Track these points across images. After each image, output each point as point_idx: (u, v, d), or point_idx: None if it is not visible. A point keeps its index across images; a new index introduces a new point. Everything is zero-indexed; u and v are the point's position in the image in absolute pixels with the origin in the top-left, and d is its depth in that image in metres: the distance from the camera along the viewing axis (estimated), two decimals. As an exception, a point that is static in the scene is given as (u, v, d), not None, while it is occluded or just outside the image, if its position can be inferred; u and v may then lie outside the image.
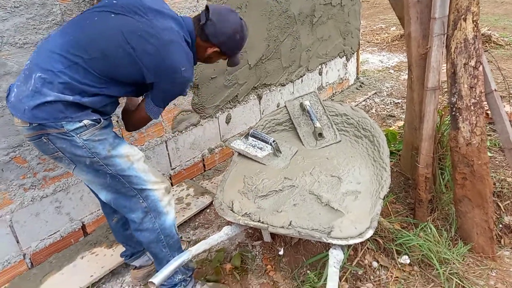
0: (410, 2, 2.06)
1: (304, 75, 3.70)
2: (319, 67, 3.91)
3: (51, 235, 2.08)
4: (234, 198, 1.77)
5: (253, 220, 1.64)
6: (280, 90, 3.45)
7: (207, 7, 1.56)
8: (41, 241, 2.05)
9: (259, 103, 3.26)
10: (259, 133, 2.06)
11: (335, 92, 4.30)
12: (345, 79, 4.42)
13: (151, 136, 2.47)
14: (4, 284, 1.92)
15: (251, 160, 2.03)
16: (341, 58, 4.23)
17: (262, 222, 1.62)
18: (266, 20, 3.05)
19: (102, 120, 1.48)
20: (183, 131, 2.66)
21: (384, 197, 1.70)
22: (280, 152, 2.04)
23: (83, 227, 2.23)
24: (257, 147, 2.07)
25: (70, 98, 1.37)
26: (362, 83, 4.63)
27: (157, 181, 1.61)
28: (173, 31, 1.47)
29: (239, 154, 2.06)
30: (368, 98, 4.27)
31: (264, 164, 2.00)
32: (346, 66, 4.37)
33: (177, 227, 2.30)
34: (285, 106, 2.26)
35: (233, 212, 1.69)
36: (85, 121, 1.42)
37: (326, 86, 4.12)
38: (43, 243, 2.06)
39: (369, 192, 1.74)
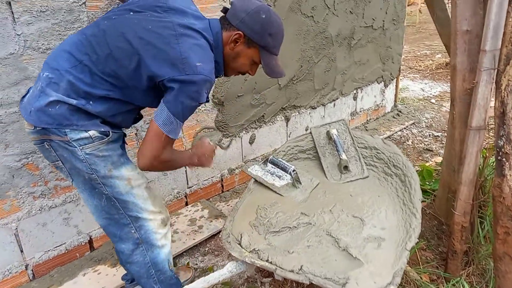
0: (458, 30, 1.87)
1: (337, 99, 3.53)
2: (354, 91, 3.72)
3: (56, 247, 2.02)
4: (244, 230, 1.62)
5: (261, 259, 1.49)
6: (310, 113, 3.29)
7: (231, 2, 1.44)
8: (46, 252, 1.99)
9: (286, 125, 3.11)
10: (279, 159, 1.91)
11: (370, 119, 4.08)
12: (381, 106, 4.20)
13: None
14: (2, 294, 1.86)
15: (268, 188, 1.88)
16: (378, 83, 4.03)
17: (271, 263, 1.47)
18: (300, 40, 2.93)
19: (111, 133, 1.37)
20: (204, 149, 2.56)
21: (412, 248, 1.50)
22: (300, 183, 1.89)
23: (90, 241, 2.15)
24: (276, 175, 1.92)
25: (73, 101, 1.28)
26: (400, 111, 4.39)
27: (154, 211, 1.48)
28: (190, 26, 1.33)
29: (256, 180, 1.92)
30: (405, 128, 4.02)
31: (281, 195, 1.85)
32: (384, 92, 4.16)
33: (187, 250, 2.20)
34: (311, 132, 2.11)
35: (241, 246, 1.54)
36: (92, 132, 1.32)
37: (360, 112, 3.92)
38: (47, 255, 2.00)
39: (395, 240, 1.54)
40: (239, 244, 1.56)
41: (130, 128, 2.11)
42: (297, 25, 2.85)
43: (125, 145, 1.58)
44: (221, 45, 1.42)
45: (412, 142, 3.73)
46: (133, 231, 1.45)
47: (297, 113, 3.16)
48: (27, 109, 1.30)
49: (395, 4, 3.78)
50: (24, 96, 1.38)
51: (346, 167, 1.94)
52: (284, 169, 1.88)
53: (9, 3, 1.62)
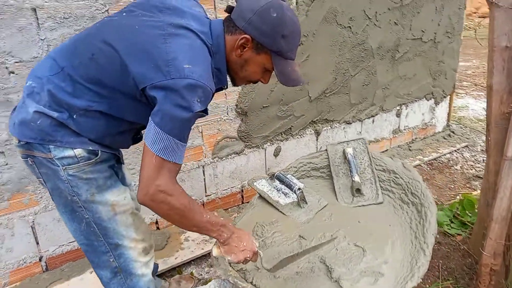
0: (496, 47, 1.66)
1: (376, 114, 3.33)
2: (398, 107, 3.49)
3: (70, 242, 2.10)
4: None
5: (246, 280, 1.41)
6: (344, 128, 3.14)
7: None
8: (59, 246, 2.08)
9: (317, 139, 2.99)
10: (286, 176, 1.82)
11: (416, 138, 3.80)
12: (430, 125, 3.89)
13: (188, 159, 2.38)
14: (16, 283, 1.97)
15: (271, 205, 1.80)
16: (427, 100, 3.74)
17: (254, 285, 1.39)
18: (336, 51, 2.80)
19: (100, 153, 1.23)
20: (224, 158, 2.53)
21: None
22: (306, 203, 1.78)
23: (103, 240, 2.21)
24: (282, 192, 1.83)
25: (54, 114, 1.15)
26: (453, 132, 4.03)
27: (136, 239, 1.35)
28: (183, 26, 1.15)
29: (260, 196, 1.84)
30: (455, 150, 3.68)
31: (284, 214, 1.75)
32: (434, 110, 3.85)
33: (195, 259, 2.18)
34: (326, 150, 1.99)
35: (229, 264, 1.48)
36: (78, 151, 1.18)
37: (405, 130, 3.66)
38: (61, 249, 2.08)
39: (395, 277, 1.38)
40: (228, 261, 1.50)
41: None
42: (331, 36, 2.73)
43: (121, 164, 1.47)
44: (223, 50, 1.22)
45: (461, 167, 3.40)
46: (111, 260, 1.33)
47: (329, 127, 3.03)
48: (13, 120, 1.21)
49: (449, 16, 3.49)
50: (15, 108, 1.27)
51: (358, 190, 1.80)
52: (289, 186, 1.78)
53: (35, 9, 1.72)
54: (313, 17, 2.59)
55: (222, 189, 2.61)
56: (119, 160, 1.44)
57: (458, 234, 2.36)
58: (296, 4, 2.50)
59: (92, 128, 1.20)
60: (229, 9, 1.25)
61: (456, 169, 3.37)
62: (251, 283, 1.39)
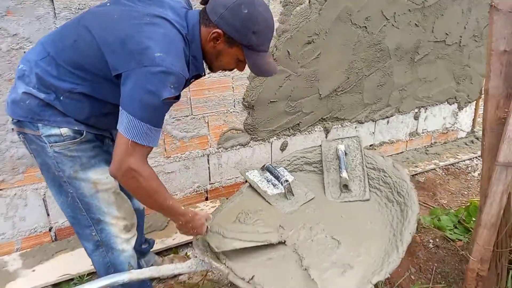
0: (494, 50, 1.61)
1: (392, 116, 3.28)
2: (416, 110, 3.42)
3: (78, 217, 2.26)
4: (218, 231, 1.63)
5: (219, 260, 1.49)
6: (356, 127, 3.13)
7: None
8: (68, 220, 2.24)
9: (326, 137, 3.00)
10: (275, 168, 1.87)
11: (435, 142, 3.71)
12: (452, 130, 3.78)
13: (194, 147, 2.49)
14: (27, 249, 2.15)
15: (259, 195, 1.86)
16: (450, 104, 3.64)
17: (227, 267, 1.46)
18: (349, 50, 2.80)
19: (85, 133, 1.31)
20: (229, 149, 2.61)
21: (379, 284, 1.35)
22: (293, 195, 1.82)
23: (108, 217, 2.36)
24: (272, 183, 1.88)
25: (42, 95, 1.24)
26: (477, 138, 3.89)
27: (117, 216, 1.43)
28: (158, 16, 1.21)
29: (250, 185, 1.91)
30: (476, 157, 3.56)
31: (269, 203, 1.81)
32: (457, 115, 3.74)
33: (191, 242, 2.27)
34: (320, 146, 2.02)
35: (209, 246, 1.56)
36: (64, 130, 1.27)
37: (423, 133, 3.59)
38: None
39: (364, 271, 1.40)
40: (207, 243, 1.58)
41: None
42: (345, 35, 2.73)
43: (111, 142, 1.50)
44: (198, 40, 1.28)
45: (478, 174, 3.28)
46: (93, 234, 1.42)
47: (340, 125, 3.03)
48: (7, 100, 1.32)
49: (477, 19, 3.37)
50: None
51: (346, 186, 1.82)
52: (277, 178, 1.83)
53: (52, 0, 1.87)
54: (326, 15, 2.60)
55: (226, 178, 2.69)
56: (113, 139, 1.51)
57: (459, 240, 2.31)
58: (309, 2, 2.53)
59: (77, 109, 1.28)
60: (204, 1, 1.30)
61: (473, 176, 3.27)
62: (224, 263, 1.46)
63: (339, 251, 1.51)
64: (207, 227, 1.53)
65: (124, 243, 1.48)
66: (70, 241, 2.22)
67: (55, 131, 1.27)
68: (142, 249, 1.95)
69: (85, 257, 2.05)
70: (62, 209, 1.43)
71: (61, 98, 1.26)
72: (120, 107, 1.18)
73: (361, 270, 1.41)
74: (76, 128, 1.30)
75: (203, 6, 1.31)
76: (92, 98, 1.28)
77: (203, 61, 1.36)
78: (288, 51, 2.55)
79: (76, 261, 2.07)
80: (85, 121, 1.32)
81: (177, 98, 1.24)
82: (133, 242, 1.52)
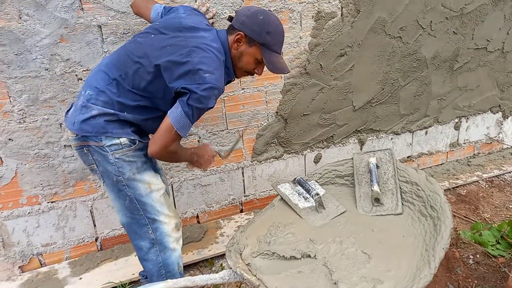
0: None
1: (430, 126, 3.21)
2: (456, 120, 3.32)
3: (121, 227, 2.40)
4: (249, 243, 1.69)
5: (251, 273, 1.54)
6: (392, 138, 3.08)
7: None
8: (112, 230, 2.39)
9: (360, 149, 2.99)
10: (306, 181, 1.90)
11: (478, 153, 3.56)
12: (497, 140, 3.62)
13: (229, 160, 2.57)
14: (75, 258, 2.32)
15: (291, 208, 1.89)
16: (494, 114, 3.49)
17: (258, 279, 1.51)
18: (384, 61, 2.79)
19: (138, 142, 1.62)
20: (263, 162, 2.67)
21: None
22: (324, 208, 1.84)
23: (149, 228, 2.49)
24: (303, 196, 1.92)
25: (111, 111, 1.55)
26: (525, 148, 3.70)
27: (169, 215, 1.67)
28: (202, 41, 1.54)
29: (282, 198, 1.95)
30: (524, 168, 3.38)
31: (300, 217, 1.84)
32: (501, 124, 3.58)
33: (222, 255, 2.35)
34: (352, 158, 2.03)
35: (240, 257, 1.62)
36: (122, 139, 1.58)
37: (465, 144, 3.46)
38: (113, 233, 2.40)
39: (394, 286, 1.40)
40: (240, 254, 1.64)
41: (193, 135, 2.39)
42: (379, 46, 2.73)
43: None
44: (229, 52, 1.62)
45: (526, 187, 3.12)
46: (150, 232, 1.65)
47: (375, 137, 3.01)
48: (71, 121, 1.59)
49: (524, 23, 3.23)
50: (68, 111, 1.66)
51: (377, 200, 1.82)
52: (308, 191, 1.86)
53: (100, 26, 2.04)
54: (359, 27, 2.62)
55: (260, 191, 2.75)
56: None
57: (502, 256, 2.21)
58: (341, 16, 2.56)
59: (139, 115, 1.60)
60: (230, 18, 1.67)
61: (518, 188, 3.11)
62: (255, 275, 1.51)
63: (369, 265, 1.52)
64: (216, 151, 1.83)
65: (174, 242, 1.69)
66: (114, 251, 2.36)
67: (115, 141, 1.56)
68: None
69: (128, 267, 2.20)
70: (120, 211, 1.67)
71: (125, 112, 1.58)
72: (178, 101, 1.52)
73: (391, 285, 1.41)
74: (132, 138, 1.60)
75: (230, 22, 1.65)
76: (149, 108, 1.61)
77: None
78: (321, 64, 2.59)
79: (119, 270, 2.20)
80: (143, 123, 1.63)
81: (213, 106, 1.58)
82: (181, 242, 1.72)
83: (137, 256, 1.75)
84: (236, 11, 1.64)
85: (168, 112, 1.53)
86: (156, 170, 1.79)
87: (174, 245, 1.70)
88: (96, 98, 1.56)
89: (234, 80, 1.76)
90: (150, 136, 1.73)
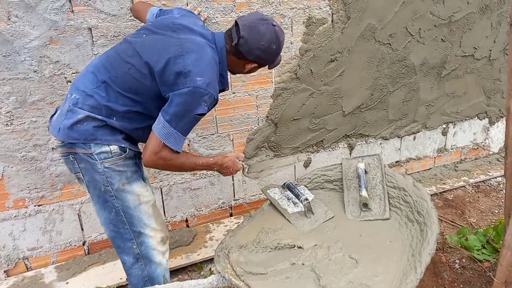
0: (515, 67, 1.61)
1: (418, 132, 3.25)
2: (444, 126, 3.37)
3: (109, 231, 2.38)
4: (237, 248, 1.69)
5: (238, 277, 1.54)
6: (381, 143, 3.12)
7: (236, 23, 1.54)
8: (100, 234, 2.37)
9: (350, 153, 3.01)
10: (295, 186, 1.92)
11: (464, 158, 3.62)
12: (483, 146, 3.68)
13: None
14: (62, 262, 2.29)
15: (280, 213, 1.90)
16: (480, 120, 3.55)
17: (246, 284, 1.51)
18: (373, 67, 2.82)
19: (128, 150, 1.52)
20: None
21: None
22: (312, 214, 1.86)
23: (138, 232, 2.47)
24: (292, 201, 1.93)
25: (99, 117, 1.45)
26: (511, 153, 3.76)
27: (156, 228, 1.59)
28: (196, 43, 1.48)
29: (271, 203, 1.96)
30: (509, 173, 3.44)
31: (289, 222, 1.85)
32: (488, 130, 3.64)
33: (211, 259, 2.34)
34: (341, 163, 2.05)
35: (228, 262, 1.62)
36: (113, 147, 1.48)
37: (452, 149, 3.51)
38: (101, 236, 2.38)
39: (381, 291, 1.42)
40: (228, 259, 1.64)
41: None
42: (369, 52, 2.76)
43: (141, 162, 1.65)
44: (225, 60, 1.57)
45: (511, 192, 3.17)
46: (134, 247, 1.56)
47: (364, 142, 3.04)
48: (55, 126, 1.48)
49: (508, 32, 3.30)
50: (53, 115, 1.56)
51: (365, 205, 1.83)
52: (297, 196, 1.88)
53: (90, 29, 2.02)
54: (349, 34, 2.65)
55: (250, 195, 2.76)
56: (140, 156, 1.67)
57: (487, 261, 2.25)
58: (332, 22, 2.58)
59: (129, 123, 1.51)
60: (236, 36, 1.53)
61: (505, 193, 3.15)
62: (243, 281, 1.51)
63: (356, 270, 1.53)
64: (243, 164, 1.81)
65: (160, 255, 1.61)
66: (102, 255, 2.34)
67: (105, 148, 1.47)
68: None
69: (115, 271, 2.18)
70: (104, 224, 1.57)
71: (114, 118, 1.48)
72: (160, 112, 1.45)
73: (378, 290, 1.42)
74: (122, 145, 1.50)
75: (233, 43, 1.55)
76: (140, 114, 1.52)
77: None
78: (311, 70, 2.61)
79: (107, 274, 2.18)
80: (133, 132, 1.54)
81: (204, 114, 1.49)
82: (167, 255, 1.66)
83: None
84: (245, 36, 1.51)
85: (153, 126, 1.46)
86: (144, 179, 1.68)
87: (160, 259, 1.62)
88: (83, 102, 1.46)
89: (227, 89, 1.72)
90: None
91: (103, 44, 2.07)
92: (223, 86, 1.63)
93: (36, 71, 1.96)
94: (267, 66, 1.66)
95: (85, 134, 1.45)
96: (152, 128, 1.45)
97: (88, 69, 1.54)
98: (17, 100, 1.96)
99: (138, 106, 1.50)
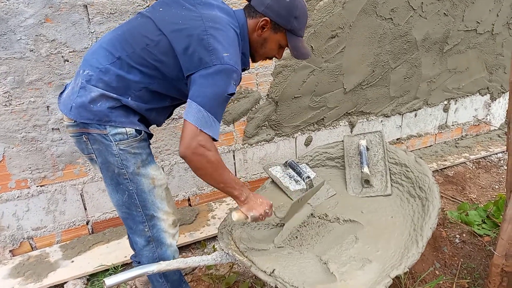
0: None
1: (420, 108, 3.23)
2: (445, 102, 3.35)
3: (112, 210, 2.40)
4: (240, 225, 1.70)
5: (242, 253, 1.56)
6: (382, 121, 3.10)
7: None
8: (103, 213, 2.39)
9: (351, 131, 3.00)
10: (297, 164, 1.92)
11: (466, 135, 3.61)
12: (484, 122, 3.67)
13: (220, 143, 2.56)
14: (66, 241, 2.31)
15: (282, 191, 1.91)
16: (482, 96, 3.53)
17: (249, 260, 1.52)
18: (374, 43, 2.78)
19: (143, 132, 1.45)
20: (254, 145, 2.67)
21: (402, 278, 1.38)
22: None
23: (140, 211, 2.49)
24: (294, 179, 1.93)
25: (113, 95, 1.36)
26: None
27: (168, 212, 1.55)
28: (218, 19, 1.38)
29: (273, 181, 1.96)
30: (510, 149, 3.44)
31: (291, 199, 1.86)
32: (489, 106, 3.62)
33: (214, 237, 2.37)
34: (343, 141, 2.04)
35: (231, 239, 1.63)
36: (128, 129, 1.39)
37: (453, 125, 3.50)
38: (105, 216, 2.39)
39: (383, 265, 1.43)
40: (231, 235, 1.65)
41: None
42: (370, 28, 2.71)
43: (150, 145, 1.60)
44: (247, 37, 1.46)
45: None
46: (146, 230, 1.52)
47: (365, 119, 3.02)
48: (67, 104, 1.39)
49: (511, 6, 3.24)
50: (62, 92, 1.49)
51: (367, 181, 1.84)
52: (299, 174, 1.88)
53: (86, 6, 1.98)
54: (350, 8, 2.59)
55: (252, 173, 2.76)
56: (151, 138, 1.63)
57: (487, 235, 2.28)
58: (333, -4, 2.53)
59: (145, 104, 1.42)
60: None
61: (505, 169, 3.16)
62: (246, 257, 1.53)
63: (357, 244, 1.54)
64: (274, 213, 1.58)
65: (171, 237, 1.58)
66: (106, 234, 2.36)
67: (121, 130, 1.38)
68: None
69: (120, 249, 2.21)
70: (116, 206, 1.53)
71: (130, 97, 1.39)
72: (188, 100, 1.32)
73: (380, 264, 1.44)
74: (138, 128, 1.42)
75: (247, 2, 1.47)
76: (157, 93, 1.43)
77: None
78: (312, 46, 2.57)
79: (111, 252, 2.20)
80: (147, 113, 1.46)
81: (234, 94, 1.38)
82: (177, 237, 1.63)
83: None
84: None
85: (184, 114, 1.33)
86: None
87: (171, 241, 1.59)
88: (97, 78, 1.36)
89: (248, 68, 1.58)
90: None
91: (99, 22, 2.03)
92: (244, 65, 1.52)
93: (32, 50, 1.93)
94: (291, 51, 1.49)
95: (99, 115, 1.36)
96: (184, 116, 1.32)
97: (100, 44, 1.43)
98: (15, 80, 1.94)
99: (155, 84, 1.41)
